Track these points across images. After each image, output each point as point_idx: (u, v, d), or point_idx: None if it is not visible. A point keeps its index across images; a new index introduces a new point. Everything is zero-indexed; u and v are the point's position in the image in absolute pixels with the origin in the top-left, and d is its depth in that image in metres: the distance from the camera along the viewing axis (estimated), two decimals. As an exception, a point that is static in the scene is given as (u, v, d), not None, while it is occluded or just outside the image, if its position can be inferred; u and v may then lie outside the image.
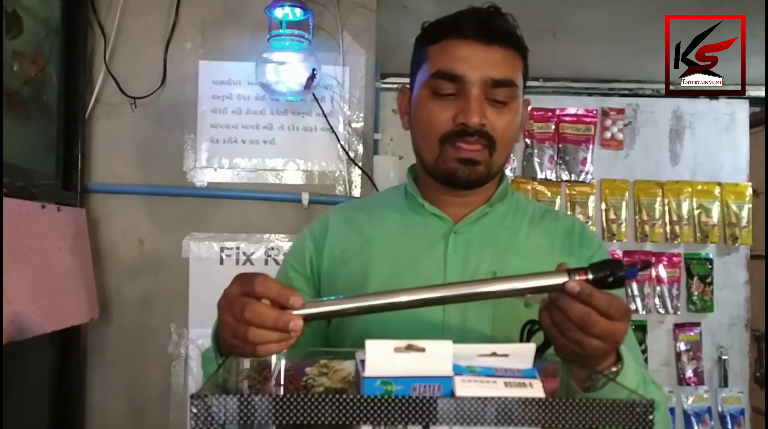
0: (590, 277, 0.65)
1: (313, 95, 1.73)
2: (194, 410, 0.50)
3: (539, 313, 0.70)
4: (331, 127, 1.75)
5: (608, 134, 2.58)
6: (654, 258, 2.55)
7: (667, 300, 2.54)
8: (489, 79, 0.87)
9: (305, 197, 1.73)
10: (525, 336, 0.74)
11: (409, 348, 0.54)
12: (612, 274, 0.65)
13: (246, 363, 0.70)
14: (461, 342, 0.56)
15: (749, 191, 2.59)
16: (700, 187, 2.58)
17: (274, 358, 0.72)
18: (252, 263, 1.73)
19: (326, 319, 0.65)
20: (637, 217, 2.56)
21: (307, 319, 0.65)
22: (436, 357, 0.54)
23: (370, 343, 0.54)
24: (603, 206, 2.56)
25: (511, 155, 2.54)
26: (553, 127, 2.58)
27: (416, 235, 0.95)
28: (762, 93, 2.64)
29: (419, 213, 0.97)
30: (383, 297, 0.67)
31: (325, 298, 0.68)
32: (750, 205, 2.57)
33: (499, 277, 0.69)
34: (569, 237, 0.97)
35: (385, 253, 0.94)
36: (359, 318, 0.88)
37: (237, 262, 1.73)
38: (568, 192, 2.56)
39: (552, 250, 0.95)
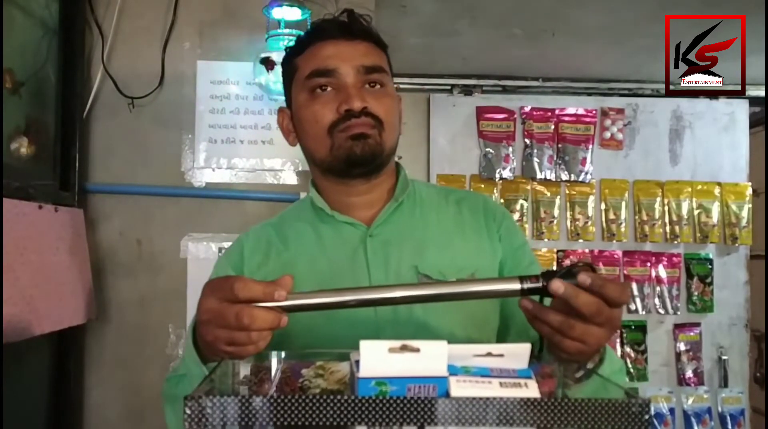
0: (540, 284, 0.66)
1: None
2: (188, 411, 0.49)
3: (534, 326, 0.69)
4: (330, 127, 1.74)
5: (608, 134, 2.58)
6: (654, 258, 2.55)
7: (667, 300, 2.54)
8: (360, 66, 0.91)
9: (304, 197, 1.73)
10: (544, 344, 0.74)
11: (404, 348, 0.54)
12: (553, 280, 0.65)
13: (246, 368, 0.70)
14: (396, 328, 0.56)
15: (749, 191, 2.59)
16: (700, 187, 2.58)
17: (274, 360, 0.71)
18: (250, 263, 1.73)
19: (303, 311, 0.68)
20: (636, 217, 2.56)
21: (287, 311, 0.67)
22: (430, 357, 0.54)
23: (364, 344, 0.54)
24: (603, 206, 2.56)
25: (511, 155, 2.54)
26: (553, 127, 2.58)
27: (334, 247, 0.96)
28: (762, 93, 2.64)
29: (330, 224, 0.97)
30: (355, 293, 0.68)
31: (306, 291, 0.69)
32: (750, 205, 2.57)
33: (463, 279, 0.73)
34: (475, 214, 0.99)
35: (307, 272, 0.94)
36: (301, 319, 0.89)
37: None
38: (567, 192, 2.56)
39: (463, 232, 0.97)
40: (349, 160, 0.91)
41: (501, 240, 0.97)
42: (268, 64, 1.61)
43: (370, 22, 0.97)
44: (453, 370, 0.55)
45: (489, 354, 0.57)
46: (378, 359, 0.54)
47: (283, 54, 1.60)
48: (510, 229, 1.00)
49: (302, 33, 1.62)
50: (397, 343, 0.54)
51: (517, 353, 0.57)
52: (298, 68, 0.95)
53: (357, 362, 0.55)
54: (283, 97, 1.68)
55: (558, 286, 0.64)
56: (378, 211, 0.97)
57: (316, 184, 1.01)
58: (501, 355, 0.57)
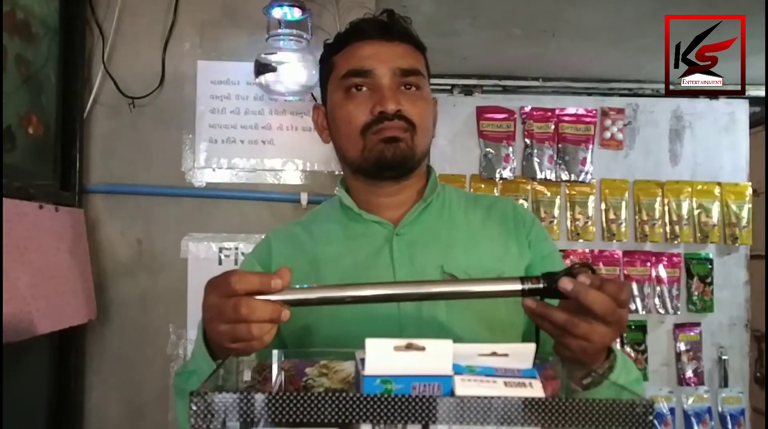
0: (541, 285, 0.66)
1: (312, 95, 1.72)
2: (194, 407, 0.49)
3: (537, 324, 0.69)
4: (331, 127, 1.74)
5: (608, 134, 2.58)
6: (654, 258, 2.56)
7: (667, 300, 2.54)
8: (397, 68, 0.91)
9: (304, 197, 1.73)
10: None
11: (409, 347, 0.54)
12: (561, 278, 0.66)
13: (249, 366, 0.70)
14: (420, 327, 0.56)
15: (749, 191, 2.59)
16: (700, 187, 2.58)
17: (275, 358, 0.71)
18: (251, 263, 1.72)
19: (305, 306, 0.67)
20: (637, 217, 2.56)
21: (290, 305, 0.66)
22: (436, 356, 0.54)
23: (370, 342, 0.54)
24: (603, 206, 2.56)
25: (511, 155, 2.54)
26: (553, 127, 2.58)
27: (360, 245, 0.96)
28: (762, 93, 2.64)
29: (358, 223, 0.97)
30: (356, 289, 0.68)
31: (306, 286, 0.69)
32: (750, 205, 2.57)
33: (465, 279, 0.71)
34: (504, 219, 0.99)
35: (333, 269, 0.94)
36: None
37: (236, 263, 1.72)
38: (567, 192, 2.56)
39: (490, 235, 0.97)
40: (380, 163, 0.91)
41: (531, 246, 0.97)
42: (259, 67, 1.63)
43: (409, 23, 0.96)
44: (458, 369, 0.55)
45: (494, 353, 0.57)
46: (383, 357, 0.54)
47: (281, 54, 1.62)
48: (540, 236, 0.99)
49: (303, 33, 1.64)
50: (403, 342, 0.54)
51: (522, 353, 0.57)
52: (335, 66, 0.95)
53: (362, 360, 0.55)
54: (284, 98, 1.71)
55: (566, 284, 0.64)
56: (406, 211, 0.97)
57: (346, 183, 1.01)
58: (506, 355, 0.57)
